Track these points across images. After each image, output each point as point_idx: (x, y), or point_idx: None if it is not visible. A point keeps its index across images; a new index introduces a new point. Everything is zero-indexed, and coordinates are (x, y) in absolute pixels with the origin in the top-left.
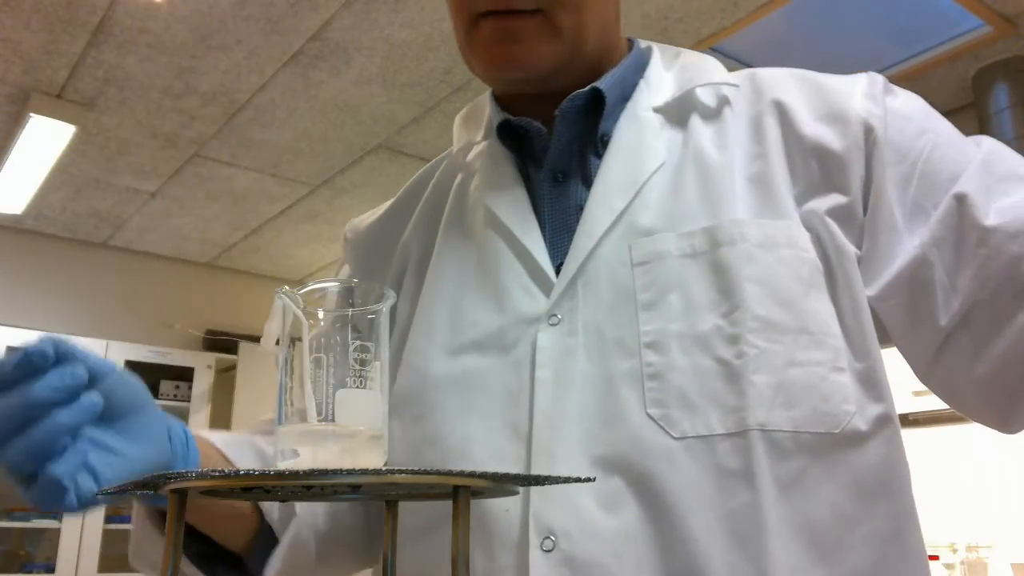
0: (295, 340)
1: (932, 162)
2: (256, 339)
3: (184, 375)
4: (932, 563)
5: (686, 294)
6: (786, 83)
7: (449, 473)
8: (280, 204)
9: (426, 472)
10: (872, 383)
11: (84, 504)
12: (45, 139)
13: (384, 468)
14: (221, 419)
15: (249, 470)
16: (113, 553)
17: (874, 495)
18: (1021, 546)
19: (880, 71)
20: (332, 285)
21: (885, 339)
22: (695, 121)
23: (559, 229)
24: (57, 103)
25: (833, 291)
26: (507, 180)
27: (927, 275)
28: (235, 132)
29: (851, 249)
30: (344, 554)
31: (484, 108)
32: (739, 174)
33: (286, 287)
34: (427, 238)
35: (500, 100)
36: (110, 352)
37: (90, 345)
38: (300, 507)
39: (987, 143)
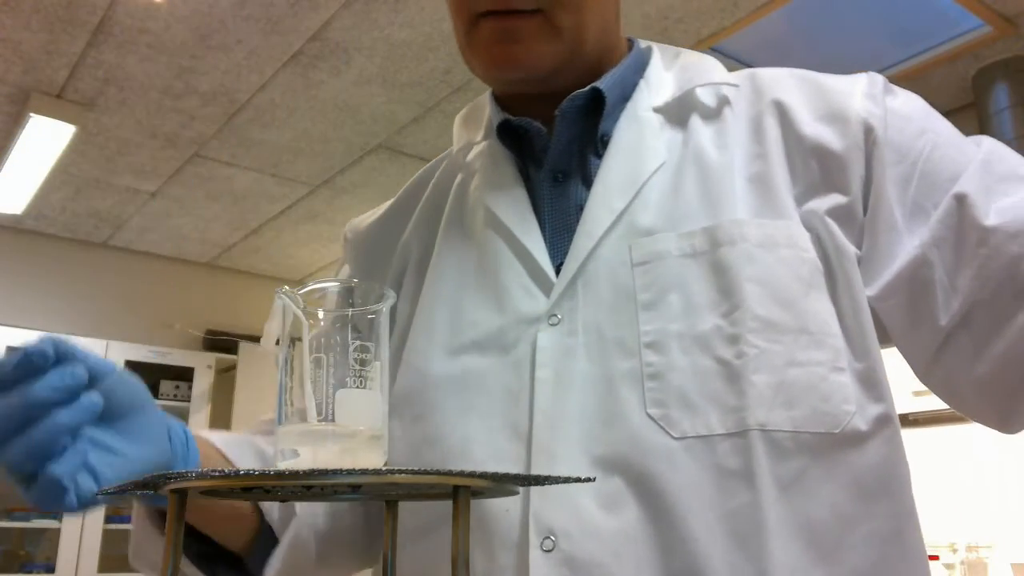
0: (295, 340)
1: (932, 162)
2: (256, 339)
3: (184, 375)
4: (932, 563)
5: (686, 294)
6: (786, 83)
7: (449, 473)
8: (280, 204)
9: (426, 472)
10: (872, 383)
11: (84, 504)
12: (45, 139)
13: (384, 468)
14: (221, 419)
15: (249, 470)
16: (113, 553)
17: (874, 495)
18: (1021, 546)
19: (880, 71)
20: (332, 285)
21: (885, 339)
22: (695, 121)
23: (559, 229)
24: (57, 103)
25: (833, 291)
26: (507, 180)
27: (927, 275)
28: (235, 132)
29: (851, 249)
30: (344, 554)
31: (484, 108)
32: (739, 174)
33: (286, 287)
34: (427, 238)
35: (500, 100)
36: (110, 352)
37: (90, 345)
38: (300, 507)
39: (987, 143)
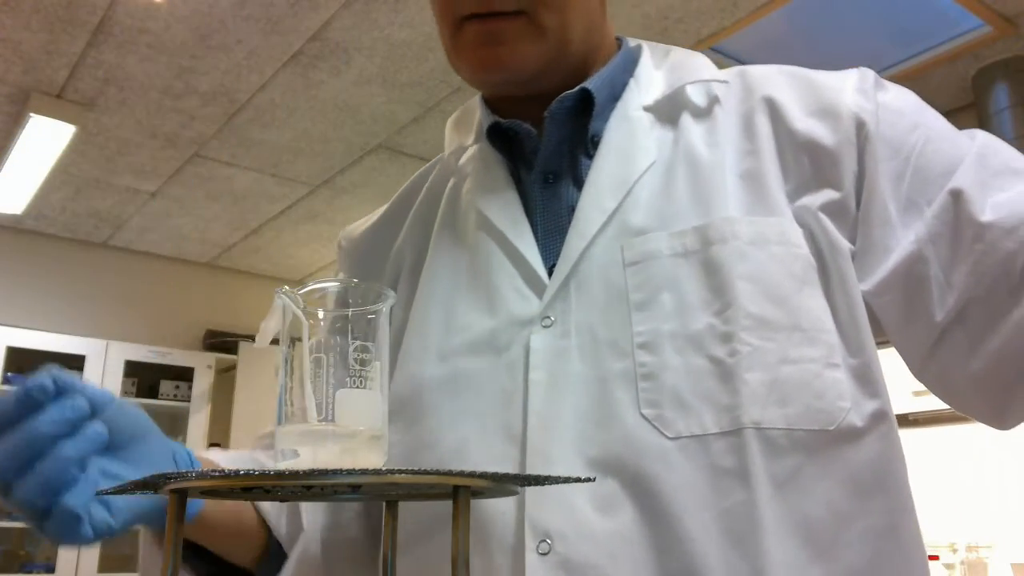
0: (295, 340)
1: (925, 157)
2: None
3: (184, 375)
4: (932, 563)
5: (678, 293)
6: (776, 80)
7: (449, 473)
8: (280, 204)
9: (426, 472)
10: (867, 379)
11: (99, 534)
12: (45, 139)
13: (384, 468)
14: (221, 419)
15: (249, 470)
16: (113, 553)
17: (870, 491)
18: (1021, 546)
19: (880, 71)
20: (332, 285)
21: (882, 338)
22: (686, 119)
23: (551, 230)
24: (57, 103)
25: (827, 287)
26: (498, 183)
27: (922, 271)
28: (235, 132)
29: (845, 244)
30: (352, 568)
31: (474, 112)
32: (730, 171)
33: (286, 287)
34: (420, 243)
35: (490, 103)
36: (110, 352)
37: (90, 345)
38: (308, 522)
39: (980, 136)
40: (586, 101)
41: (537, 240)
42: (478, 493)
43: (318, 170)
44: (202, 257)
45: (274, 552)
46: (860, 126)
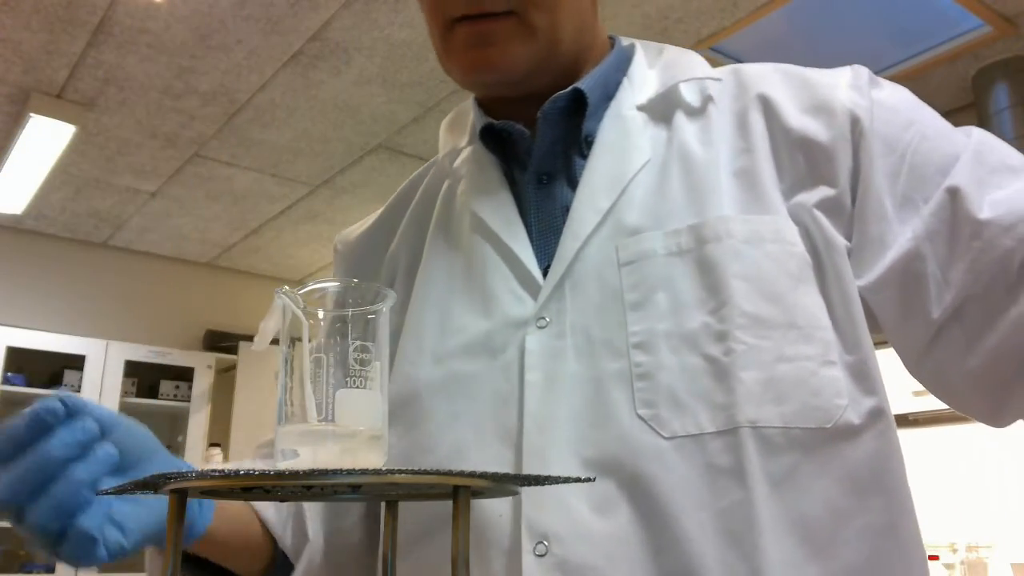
0: (295, 340)
1: (921, 154)
2: None
3: (184, 375)
4: (932, 563)
5: (673, 293)
6: (771, 77)
7: (449, 473)
8: (280, 204)
9: (426, 472)
10: (864, 376)
11: (112, 555)
12: (45, 139)
13: (384, 468)
14: (221, 419)
15: (249, 470)
16: None
17: (868, 489)
18: (1021, 546)
19: (880, 71)
20: (332, 285)
21: (881, 338)
22: (679, 118)
23: (546, 231)
24: (57, 103)
25: (823, 284)
26: (492, 184)
27: (920, 268)
28: (235, 132)
29: (840, 241)
30: (355, 573)
31: (468, 113)
32: (724, 170)
33: (286, 287)
34: (415, 247)
35: (483, 104)
36: (110, 352)
37: (90, 345)
38: (313, 533)
39: (976, 133)
40: (579, 101)
41: (532, 241)
42: (478, 493)
43: (318, 170)
44: (202, 257)
45: (280, 563)
46: (855, 122)
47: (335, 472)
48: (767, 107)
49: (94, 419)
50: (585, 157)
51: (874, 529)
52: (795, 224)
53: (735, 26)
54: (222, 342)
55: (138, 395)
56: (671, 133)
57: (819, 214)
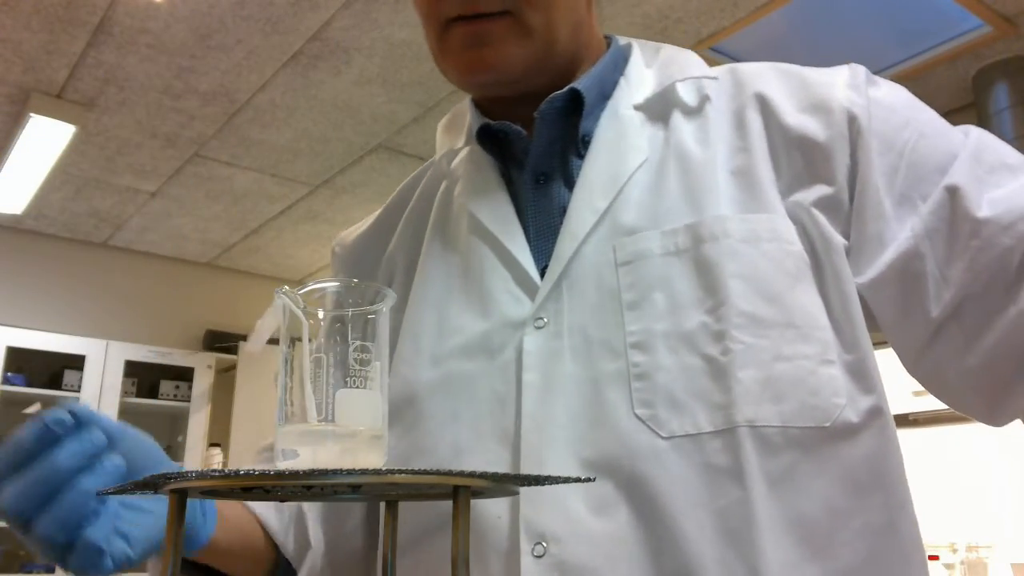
0: (295, 340)
1: (918, 152)
2: None
3: (184, 375)
4: (932, 563)
5: (671, 292)
6: (767, 76)
7: (449, 473)
8: (280, 204)
9: (426, 472)
10: (862, 374)
11: (118, 566)
12: (45, 139)
13: (384, 468)
14: (221, 419)
15: (249, 470)
16: None
17: (866, 488)
18: (1021, 546)
19: (880, 71)
20: (332, 285)
21: (880, 338)
22: (676, 117)
23: (543, 231)
24: (57, 103)
25: (821, 283)
26: (490, 185)
27: (919, 267)
28: (235, 132)
29: (839, 240)
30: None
31: (465, 114)
32: (722, 169)
33: (286, 287)
34: (413, 248)
35: (480, 105)
36: (110, 352)
37: (90, 345)
38: (314, 539)
39: (974, 132)
40: (576, 101)
41: (529, 241)
42: (478, 493)
43: (318, 170)
44: (202, 257)
45: (283, 569)
46: (852, 120)
47: (335, 472)
48: (764, 106)
49: (102, 430)
50: (582, 157)
51: (873, 528)
52: (793, 223)
53: (735, 26)
54: (222, 342)
55: (138, 395)
56: (668, 132)
57: (817, 213)
